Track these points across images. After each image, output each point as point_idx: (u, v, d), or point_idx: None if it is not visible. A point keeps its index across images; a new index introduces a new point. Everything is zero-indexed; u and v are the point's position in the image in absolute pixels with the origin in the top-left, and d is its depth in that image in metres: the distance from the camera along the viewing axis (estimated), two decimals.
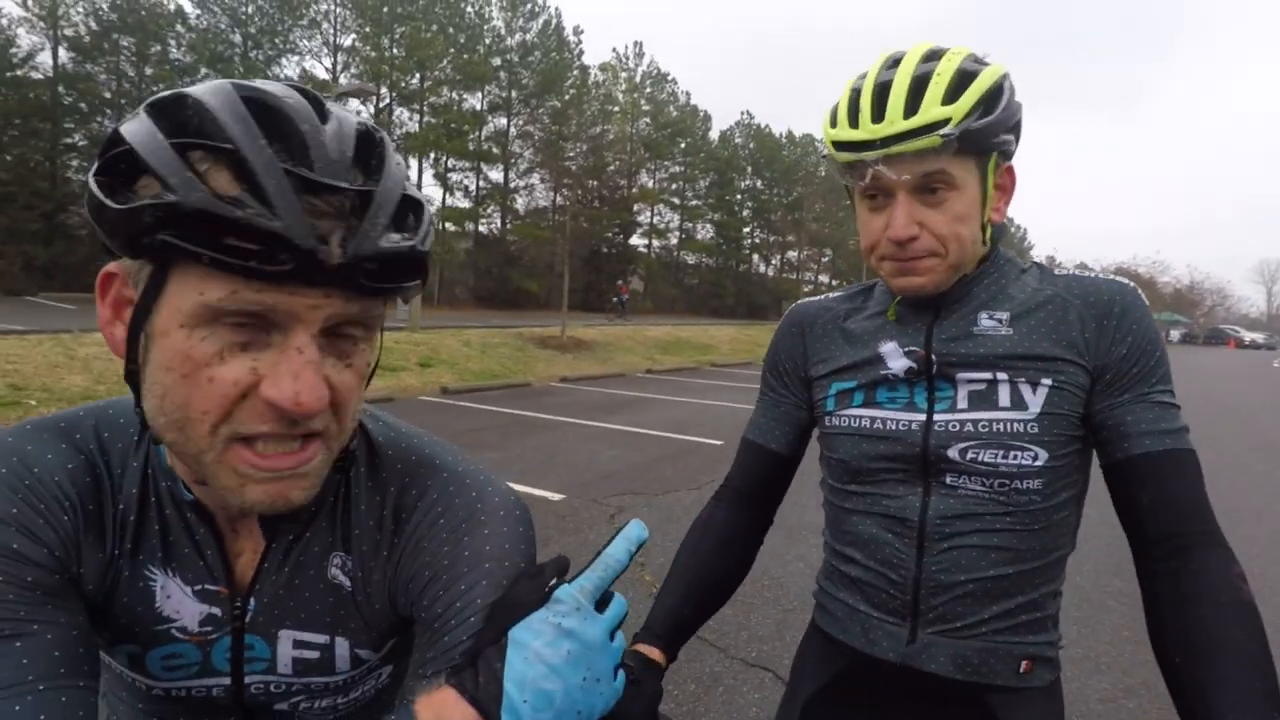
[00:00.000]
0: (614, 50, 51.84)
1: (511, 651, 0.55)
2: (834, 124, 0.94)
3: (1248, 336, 56.86)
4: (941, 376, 0.95)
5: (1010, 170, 0.96)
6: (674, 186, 49.72)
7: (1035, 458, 0.90)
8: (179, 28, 26.02)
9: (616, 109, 43.39)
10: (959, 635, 0.95)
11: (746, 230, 56.04)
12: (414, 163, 36.41)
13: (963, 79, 0.88)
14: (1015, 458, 0.90)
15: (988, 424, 0.91)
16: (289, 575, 0.68)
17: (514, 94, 38.33)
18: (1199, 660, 0.77)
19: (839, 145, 0.92)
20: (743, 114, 65.05)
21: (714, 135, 52.24)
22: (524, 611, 0.58)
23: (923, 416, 0.95)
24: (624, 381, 13.20)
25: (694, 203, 51.10)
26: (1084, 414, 0.92)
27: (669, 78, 47.33)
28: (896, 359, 0.98)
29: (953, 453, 0.92)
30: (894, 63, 0.92)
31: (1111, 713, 2.81)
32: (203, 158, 0.51)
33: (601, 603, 0.60)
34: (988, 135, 0.88)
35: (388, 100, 34.30)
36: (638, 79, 45.89)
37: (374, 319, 0.58)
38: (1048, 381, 0.91)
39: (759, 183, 55.80)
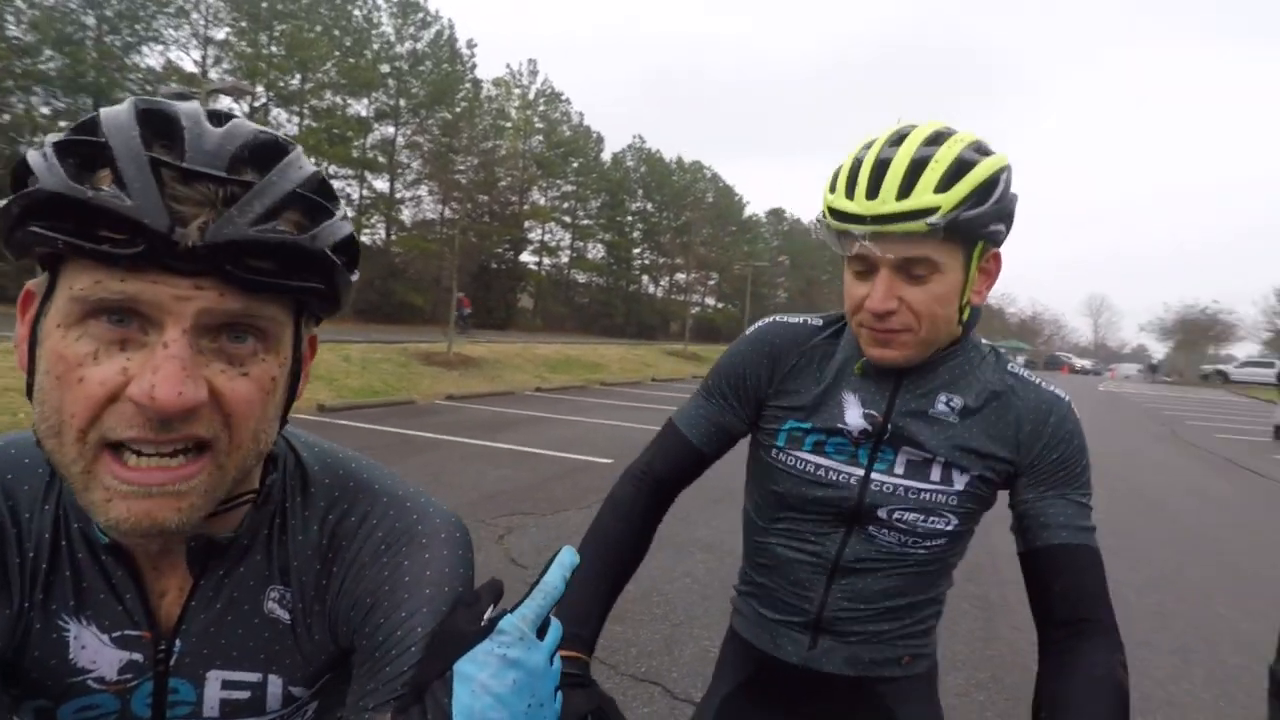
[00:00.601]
0: (508, 66, 51.51)
1: (457, 685, 0.55)
2: (832, 190, 0.97)
3: (1078, 363, 63.73)
4: (888, 444, 1.03)
5: (997, 256, 0.99)
6: (566, 205, 49.81)
7: (948, 523, 1.03)
8: (18, 2, 23.44)
9: (509, 125, 43.07)
10: (852, 642, 1.10)
11: (637, 251, 56.88)
12: None
13: (959, 168, 0.89)
14: (933, 522, 1.03)
15: (916, 492, 1.02)
16: (220, 612, 0.65)
17: (402, 103, 37.23)
18: (1061, 707, 0.88)
19: (833, 212, 0.95)
20: (635, 138, 66.35)
21: (606, 157, 52.84)
22: (467, 643, 0.57)
23: (861, 472, 1.04)
24: (513, 400, 13.03)
25: (585, 222, 51.40)
26: (990, 497, 1.05)
27: (563, 97, 47.56)
28: (855, 417, 1.03)
29: (881, 512, 1.03)
30: (899, 139, 0.93)
31: (965, 704, 3.07)
32: (76, 155, 0.51)
33: (540, 629, 0.59)
34: (976, 225, 0.90)
35: (264, 100, 32.38)
36: (531, 96, 45.83)
37: (269, 324, 0.55)
38: (975, 471, 1.02)
39: (649, 205, 56.91)
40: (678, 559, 4.48)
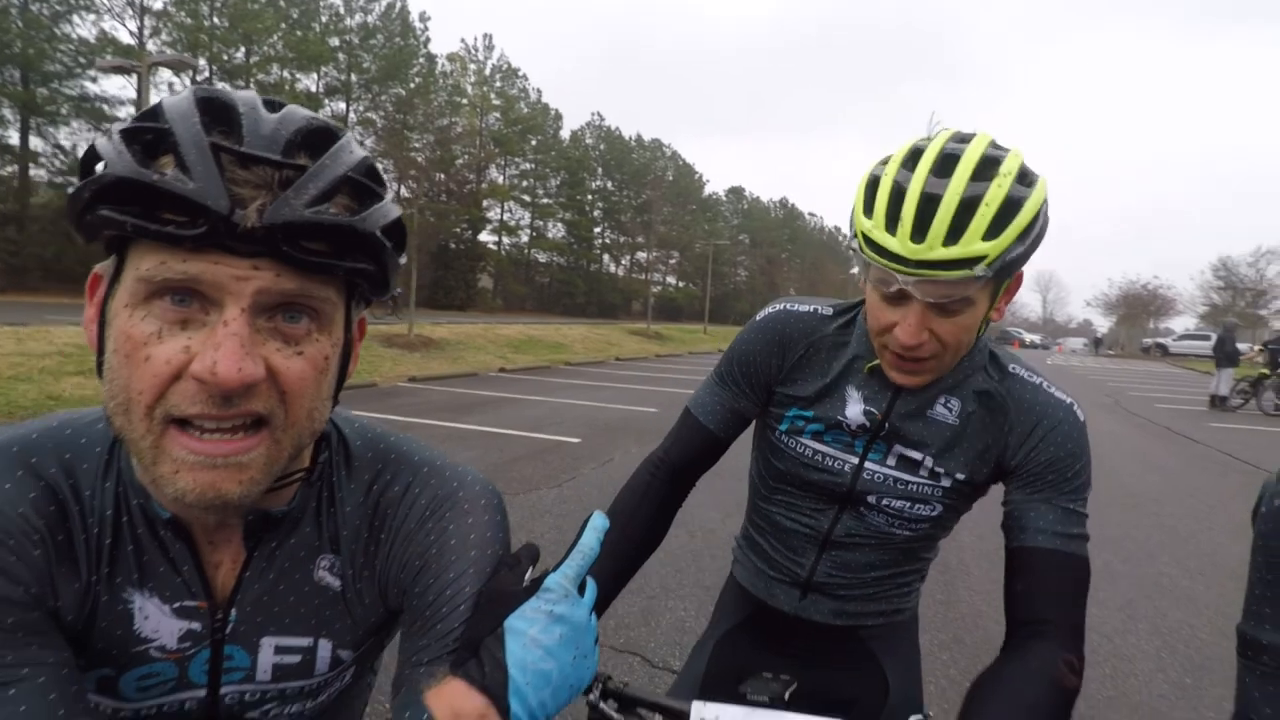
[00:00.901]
0: (462, 41, 50.35)
1: (510, 639, 0.60)
2: (867, 213, 0.92)
3: (1028, 338, 65.71)
4: (883, 439, 1.07)
5: (1019, 276, 0.97)
6: (525, 184, 49.21)
7: (934, 510, 1.08)
8: None
9: (465, 101, 42.21)
10: (839, 598, 1.19)
11: (597, 230, 56.62)
12: None
13: (1008, 209, 0.86)
14: (919, 509, 1.08)
15: (905, 483, 1.07)
16: (272, 582, 0.68)
17: (354, 78, 36.20)
18: (983, 693, 0.88)
19: (871, 244, 0.91)
20: (594, 115, 65.61)
21: (565, 134, 52.32)
22: (515, 601, 0.62)
23: (855, 460, 1.08)
24: (477, 381, 12.94)
25: (545, 201, 50.90)
26: (981, 491, 1.08)
27: (520, 73, 46.79)
28: (856, 413, 1.07)
29: (871, 498, 1.09)
30: (946, 168, 0.88)
31: (930, 663, 3.22)
32: (141, 141, 0.53)
33: (579, 588, 0.65)
34: (1016, 265, 0.89)
35: (207, 74, 31.11)
36: (487, 72, 44.95)
37: (322, 304, 0.57)
38: (964, 472, 1.05)
39: (609, 184, 56.58)
40: (686, 538, 4.56)
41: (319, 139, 0.57)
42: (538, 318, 35.68)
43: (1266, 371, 14.91)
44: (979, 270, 0.85)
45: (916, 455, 1.06)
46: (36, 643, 0.55)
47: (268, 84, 32.91)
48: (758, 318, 1.16)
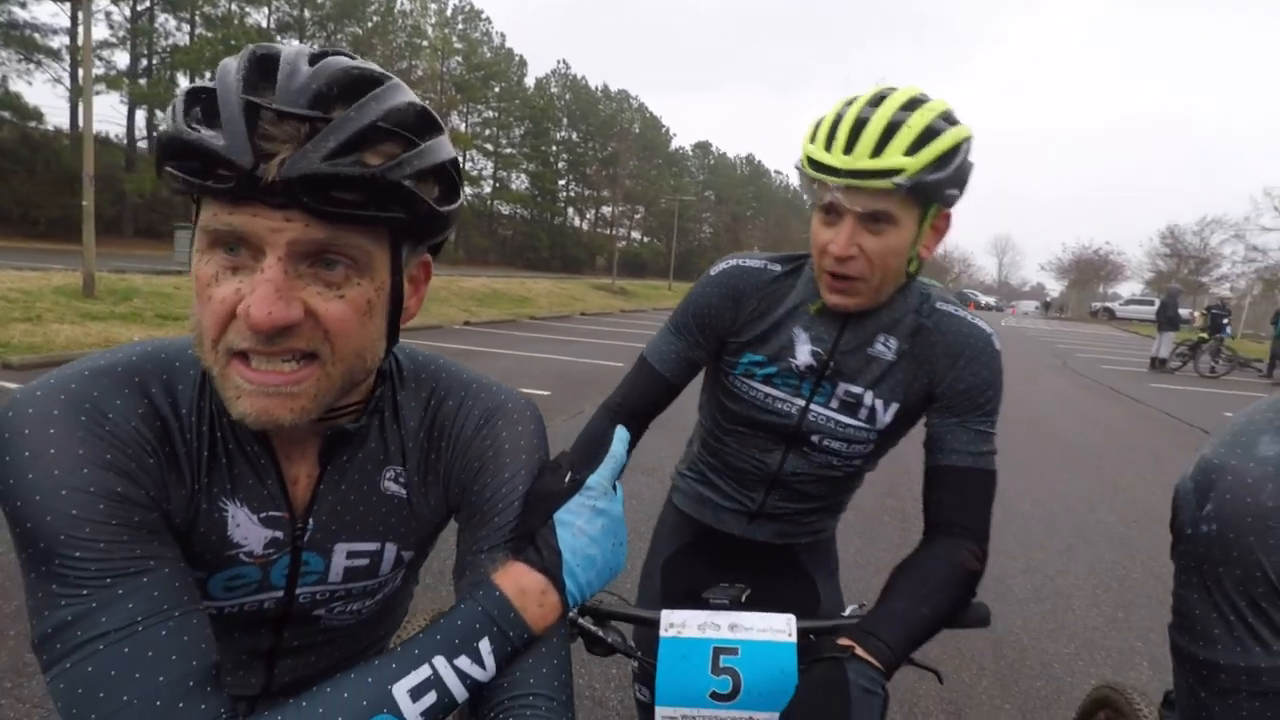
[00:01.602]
0: None
1: (561, 529, 0.71)
2: (812, 140, 1.06)
3: (983, 299, 67.35)
4: (827, 379, 1.17)
5: (947, 216, 1.09)
6: (487, 133, 48.01)
7: (867, 447, 1.22)
8: None
9: (425, 44, 40.72)
10: (782, 522, 1.35)
11: (562, 183, 55.72)
12: (183, 79, 31.69)
13: (927, 135, 0.99)
14: (855, 449, 1.21)
15: (844, 426, 1.19)
16: (344, 493, 0.75)
17: (307, 14, 34.51)
18: (898, 575, 1.04)
19: (811, 162, 1.05)
20: (559, 63, 64.00)
21: (529, 82, 50.92)
22: (562, 498, 0.73)
23: (802, 403, 1.19)
24: (442, 334, 12.82)
25: (508, 151, 49.81)
26: (913, 421, 1.20)
27: (483, 15, 45.20)
28: (804, 354, 1.17)
29: (814, 438, 1.21)
30: (878, 100, 1.03)
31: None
32: (207, 104, 0.58)
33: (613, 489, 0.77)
34: (935, 188, 1.01)
35: (149, 3, 29.34)
36: (449, 13, 43.32)
37: (357, 251, 0.60)
38: (896, 405, 1.17)
39: (575, 135, 55.53)
40: (623, 483, 4.68)
41: (357, 88, 0.59)
42: (501, 271, 35.21)
43: (1205, 336, 15.64)
44: (900, 180, 0.98)
45: (858, 390, 1.17)
46: (157, 540, 0.62)
47: (214, 16, 31.26)
48: (711, 272, 1.24)
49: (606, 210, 57.31)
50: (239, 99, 0.55)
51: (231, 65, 0.58)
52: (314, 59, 0.60)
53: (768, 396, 1.21)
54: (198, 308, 0.59)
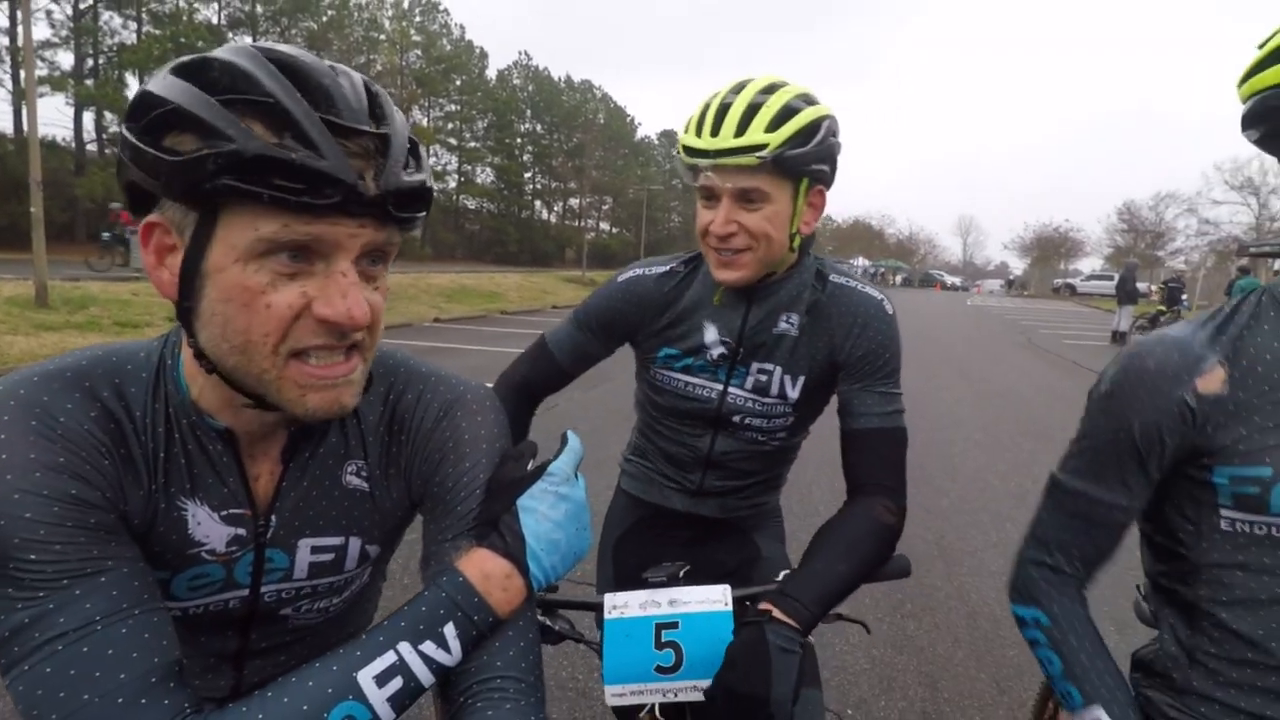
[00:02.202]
0: None
1: (524, 515, 0.73)
2: (686, 130, 1.15)
3: (949, 279, 68.48)
4: (740, 363, 1.25)
5: (821, 193, 1.17)
6: (450, 126, 47.41)
7: (788, 421, 1.30)
8: None
9: (383, 37, 39.98)
10: (724, 497, 1.42)
11: (528, 176, 55.29)
12: (134, 81, 30.76)
13: (786, 113, 1.08)
14: (774, 424, 1.29)
15: (760, 404, 1.27)
16: (306, 488, 0.76)
17: (259, 9, 33.68)
18: (820, 535, 1.11)
19: (685, 149, 1.13)
20: (521, 54, 63.36)
21: (491, 74, 50.37)
22: (525, 484, 0.75)
23: (720, 387, 1.27)
24: (412, 331, 12.69)
25: (472, 144, 49.27)
26: (827, 391, 1.26)
27: (440, 7, 44.52)
28: (713, 340, 1.25)
29: (735, 419, 1.29)
30: (740, 88, 1.12)
31: None
32: (242, 111, 0.57)
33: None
34: (799, 162, 1.09)
35: (91, 2, 28.39)
36: (406, 5, 42.57)
37: (393, 248, 0.66)
38: (806, 375, 1.24)
39: (539, 127, 55.09)
40: (599, 475, 4.65)
41: (379, 103, 0.64)
42: (469, 266, 34.90)
43: (1163, 309, 16.07)
44: (762, 154, 1.07)
45: (769, 367, 1.24)
46: (115, 540, 0.62)
47: (162, 14, 30.34)
48: (619, 279, 1.32)
49: (574, 202, 57.01)
50: (318, 118, 0.58)
51: (273, 76, 0.58)
52: (331, 69, 0.63)
53: (688, 385, 1.29)
54: (240, 317, 0.60)
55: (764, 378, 1.24)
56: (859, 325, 1.19)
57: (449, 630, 0.67)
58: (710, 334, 1.24)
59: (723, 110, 1.10)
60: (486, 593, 0.69)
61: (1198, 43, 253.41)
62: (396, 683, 0.63)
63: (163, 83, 0.59)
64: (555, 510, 0.74)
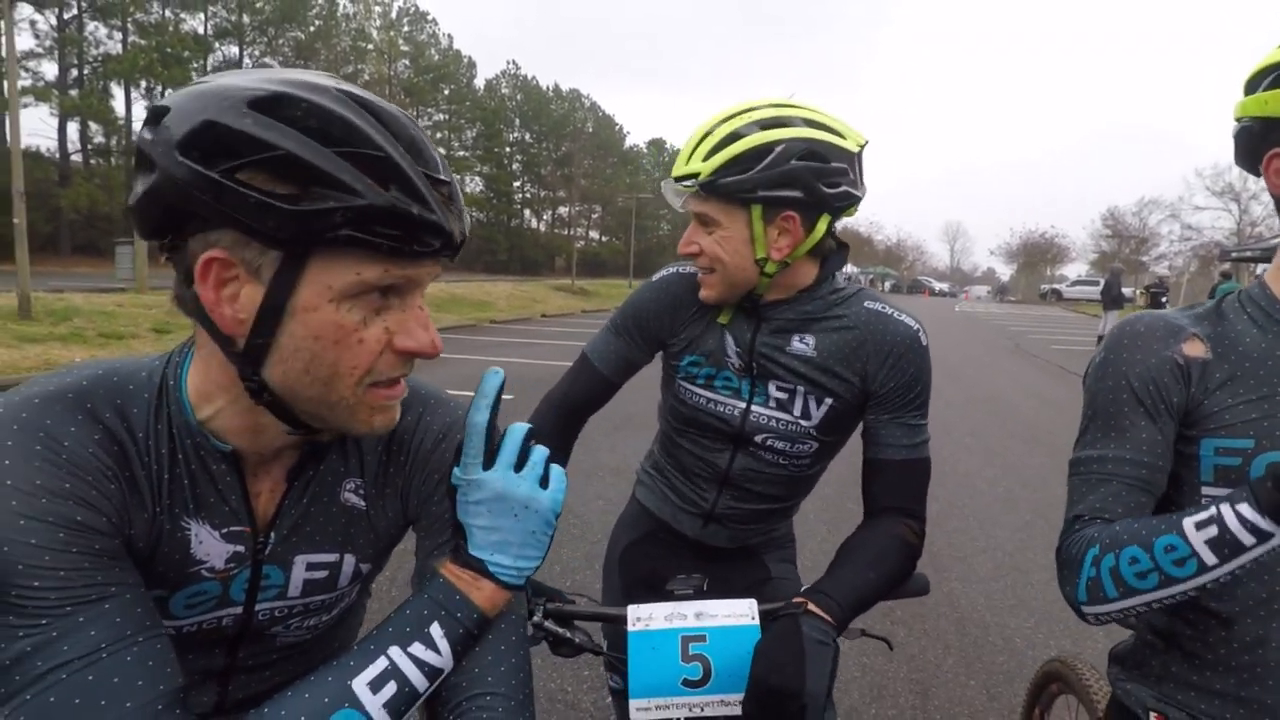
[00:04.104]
0: None
1: (466, 528, 0.74)
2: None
3: (937, 286, 68.85)
4: (759, 378, 1.23)
5: (791, 218, 1.10)
6: (439, 135, 47.34)
7: (810, 447, 1.26)
8: None
9: (371, 47, 40.01)
10: (735, 528, 1.38)
11: (517, 184, 55.32)
12: (119, 91, 30.64)
13: (727, 140, 1.09)
14: (797, 448, 1.26)
15: (783, 423, 1.24)
16: (306, 505, 0.77)
17: (246, 19, 33.62)
18: (844, 550, 1.12)
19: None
20: (509, 64, 63.56)
21: (479, 84, 50.44)
22: (453, 501, 0.75)
23: (743, 404, 1.25)
24: None
25: (461, 154, 49.21)
26: (853, 416, 1.24)
27: (429, 17, 44.63)
28: (732, 352, 1.24)
29: (757, 438, 1.26)
30: (733, 114, 1.14)
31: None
32: (354, 161, 0.59)
33: (522, 461, 0.74)
34: (737, 189, 1.08)
35: (76, 11, 28.25)
36: (394, 15, 42.62)
37: None
38: (829, 400, 1.21)
39: (528, 136, 55.18)
40: (588, 483, 4.67)
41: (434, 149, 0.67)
42: (459, 275, 34.74)
43: None
44: (690, 182, 1.12)
45: (790, 387, 1.22)
46: (118, 566, 0.62)
47: (148, 24, 30.25)
48: (654, 279, 1.33)
49: (563, 211, 57.05)
50: (421, 173, 0.62)
51: (373, 132, 0.60)
52: (405, 116, 0.65)
53: (710, 401, 1.26)
54: (330, 352, 0.62)
55: (785, 396, 1.22)
56: (894, 357, 1.17)
57: (435, 630, 0.68)
58: (729, 345, 1.24)
59: (700, 137, 1.13)
60: (467, 591, 0.71)
61: (1173, 51, 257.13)
62: (390, 688, 0.64)
63: (243, 119, 0.57)
64: (478, 518, 0.73)
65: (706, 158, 1.09)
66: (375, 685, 0.63)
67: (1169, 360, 0.89)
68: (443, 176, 0.64)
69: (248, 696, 0.83)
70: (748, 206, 1.11)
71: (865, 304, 1.20)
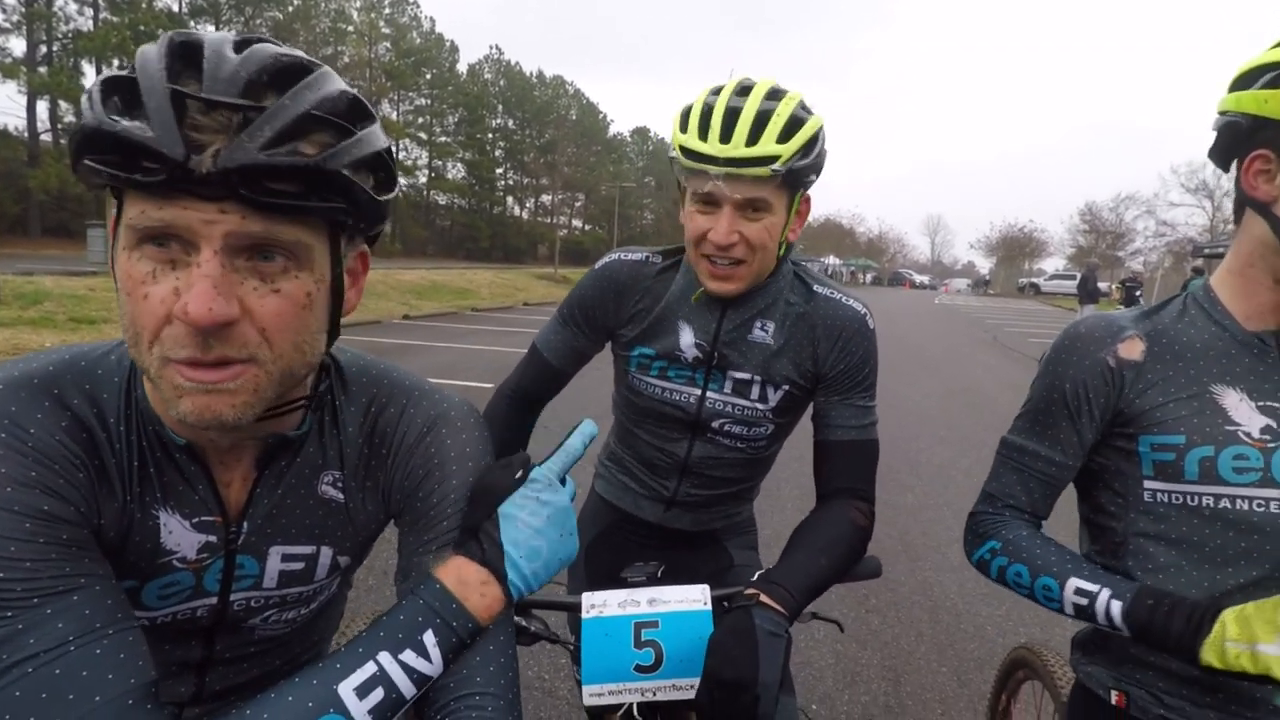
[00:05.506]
0: None
1: (504, 522, 0.71)
2: (684, 129, 1.09)
3: (918, 279, 69.49)
4: (717, 368, 1.23)
5: (808, 199, 1.16)
6: (420, 121, 46.87)
7: (766, 430, 1.27)
8: None
9: (351, 29, 39.38)
10: (697, 510, 1.39)
11: (499, 171, 54.83)
12: (89, 69, 29.86)
13: (794, 124, 1.05)
14: (753, 431, 1.27)
15: (739, 408, 1.24)
16: (280, 497, 0.74)
17: None
18: (796, 534, 1.12)
19: (686, 152, 1.07)
20: (492, 48, 62.84)
21: (462, 68, 49.84)
22: (506, 491, 0.73)
23: (698, 392, 1.25)
24: (380, 329, 12.52)
25: (443, 139, 48.71)
26: (806, 399, 1.25)
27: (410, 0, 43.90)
28: (688, 343, 1.22)
29: (714, 424, 1.26)
30: (744, 90, 1.08)
31: None
32: (126, 95, 0.55)
33: (561, 481, 0.77)
34: (802, 174, 1.08)
35: None
36: None
37: (294, 244, 0.58)
38: (785, 386, 1.22)
39: (510, 122, 54.66)
40: (583, 473, 4.66)
41: (287, 76, 0.58)
42: (440, 262, 34.48)
43: (1122, 308, 16.43)
44: (776, 167, 1.04)
45: (746, 376, 1.22)
46: (87, 557, 0.60)
47: (120, 2, 29.46)
48: (596, 266, 1.29)
49: (546, 199, 56.68)
50: (164, 88, 0.52)
51: (152, 53, 0.55)
52: (239, 46, 0.58)
53: (665, 390, 1.26)
54: (130, 307, 0.56)
55: (742, 385, 1.23)
56: (843, 340, 1.18)
57: (428, 638, 0.66)
58: (686, 337, 1.22)
59: (731, 114, 1.05)
60: (464, 598, 0.68)
61: (1154, 52, 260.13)
62: (378, 694, 0.62)
63: None
64: (536, 517, 0.72)
65: (782, 140, 1.04)
66: (362, 691, 0.61)
67: (1100, 364, 0.96)
68: (223, 99, 0.53)
69: (225, 688, 0.82)
70: (796, 190, 1.11)
71: (815, 288, 1.22)
